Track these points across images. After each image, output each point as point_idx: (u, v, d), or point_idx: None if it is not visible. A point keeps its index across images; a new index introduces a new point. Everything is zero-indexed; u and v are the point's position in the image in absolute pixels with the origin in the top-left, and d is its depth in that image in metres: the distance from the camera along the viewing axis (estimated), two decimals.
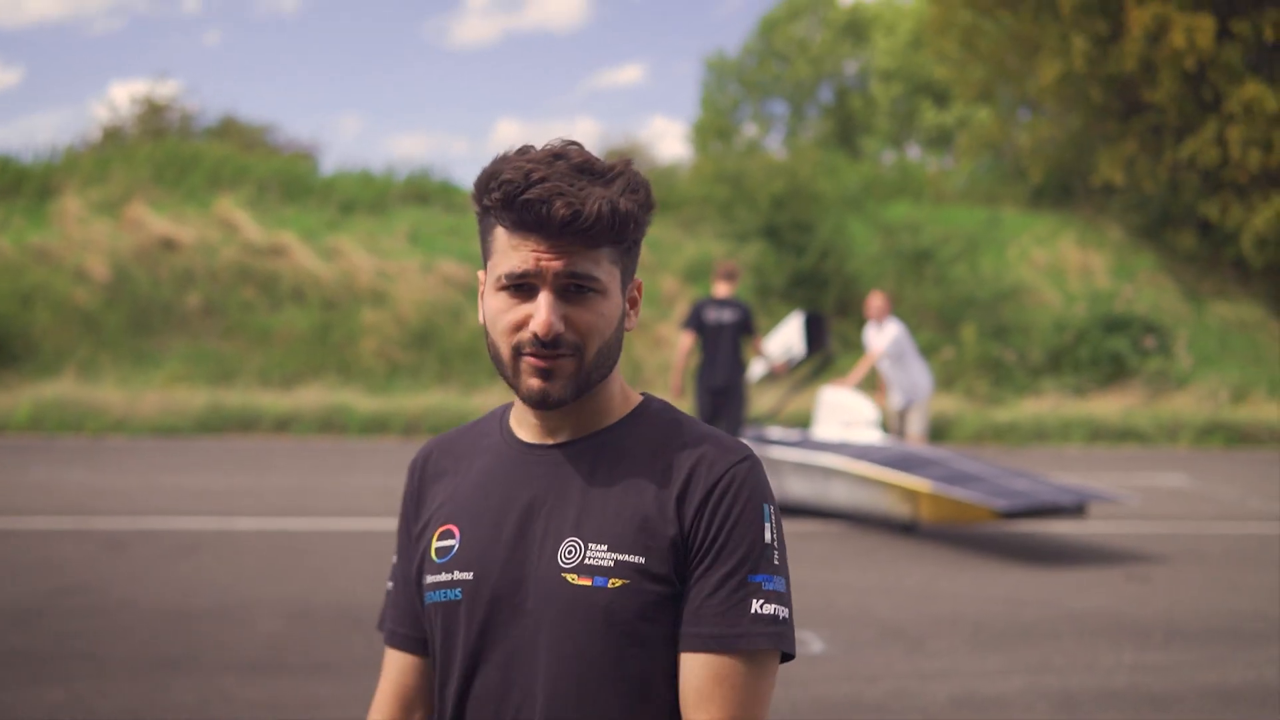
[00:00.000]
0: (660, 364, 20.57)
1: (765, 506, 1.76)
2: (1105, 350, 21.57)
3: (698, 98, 46.38)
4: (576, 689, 1.69)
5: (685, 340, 11.37)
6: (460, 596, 1.75)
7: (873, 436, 11.07)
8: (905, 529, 10.28)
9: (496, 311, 1.72)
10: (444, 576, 1.77)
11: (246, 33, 70.65)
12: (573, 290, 1.69)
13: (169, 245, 20.66)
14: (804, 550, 9.60)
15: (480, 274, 1.81)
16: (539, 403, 1.72)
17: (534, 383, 1.71)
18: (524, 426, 1.83)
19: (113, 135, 30.24)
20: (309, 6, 70.29)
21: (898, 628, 7.13)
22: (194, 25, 68.59)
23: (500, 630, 1.73)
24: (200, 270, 20.24)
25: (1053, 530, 10.62)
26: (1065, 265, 24.71)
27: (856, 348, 21.30)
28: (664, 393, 16.38)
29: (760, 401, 16.22)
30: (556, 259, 1.67)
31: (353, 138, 69.75)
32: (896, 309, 21.41)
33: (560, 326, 1.68)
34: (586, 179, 1.67)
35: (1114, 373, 21.46)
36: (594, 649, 1.69)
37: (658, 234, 23.83)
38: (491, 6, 70.78)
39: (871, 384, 14.09)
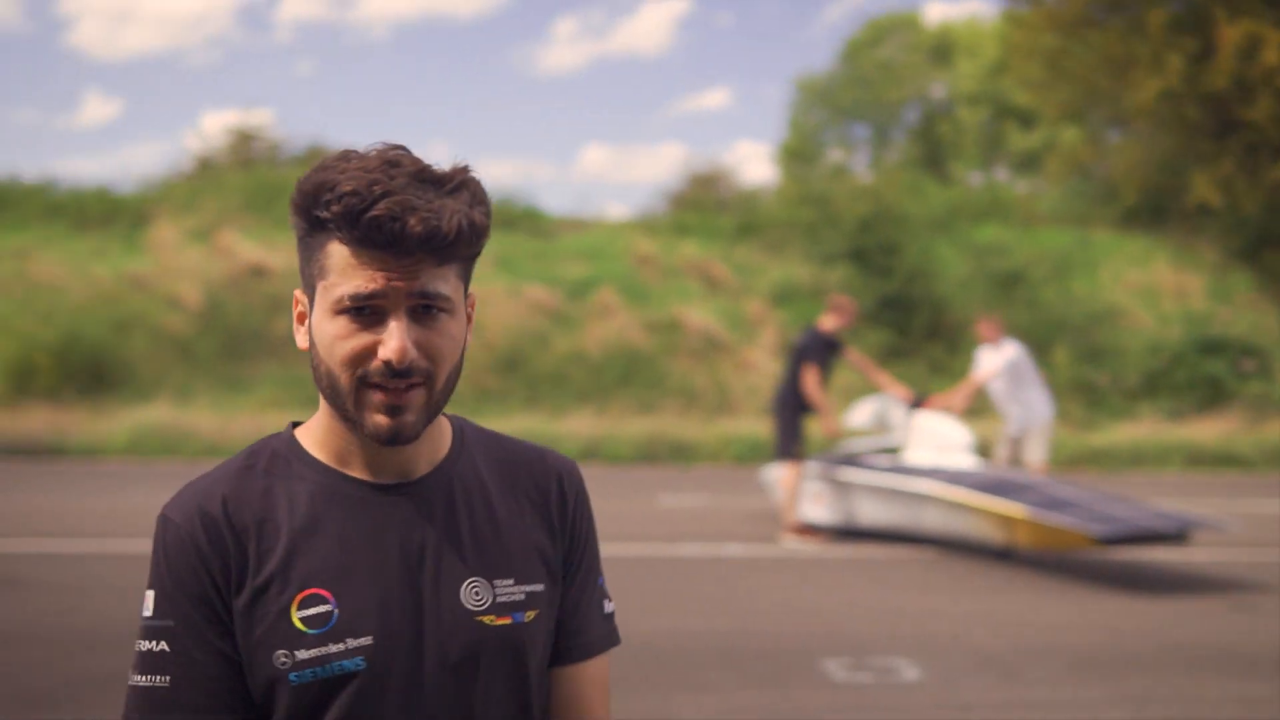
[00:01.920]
0: (747, 388, 20.49)
1: (591, 509, 1.82)
2: (1202, 373, 21.15)
3: (784, 121, 46.24)
4: None
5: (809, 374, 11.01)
6: (364, 665, 1.55)
7: (966, 461, 10.90)
8: (1000, 555, 10.10)
9: (334, 338, 1.54)
10: (333, 648, 1.55)
11: (337, 62, 71.69)
12: (421, 311, 1.54)
13: (259, 272, 20.96)
14: (896, 576, 9.47)
15: (297, 294, 1.65)
16: (390, 440, 1.56)
17: (381, 420, 1.55)
18: (357, 465, 1.64)
19: (204, 164, 30.77)
20: (399, 35, 71.19)
21: (994, 656, 6.98)
22: (287, 55, 69.76)
23: (423, 692, 1.59)
24: (290, 297, 20.42)
25: (1153, 558, 10.38)
26: (1159, 287, 24.28)
27: (945, 371, 21.07)
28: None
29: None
30: (406, 279, 1.52)
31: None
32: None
33: (414, 352, 1.53)
34: (431, 190, 1.52)
35: (1212, 396, 21.01)
36: (519, 685, 1.65)
37: (743, 257, 23.78)
38: (580, 34, 71.23)
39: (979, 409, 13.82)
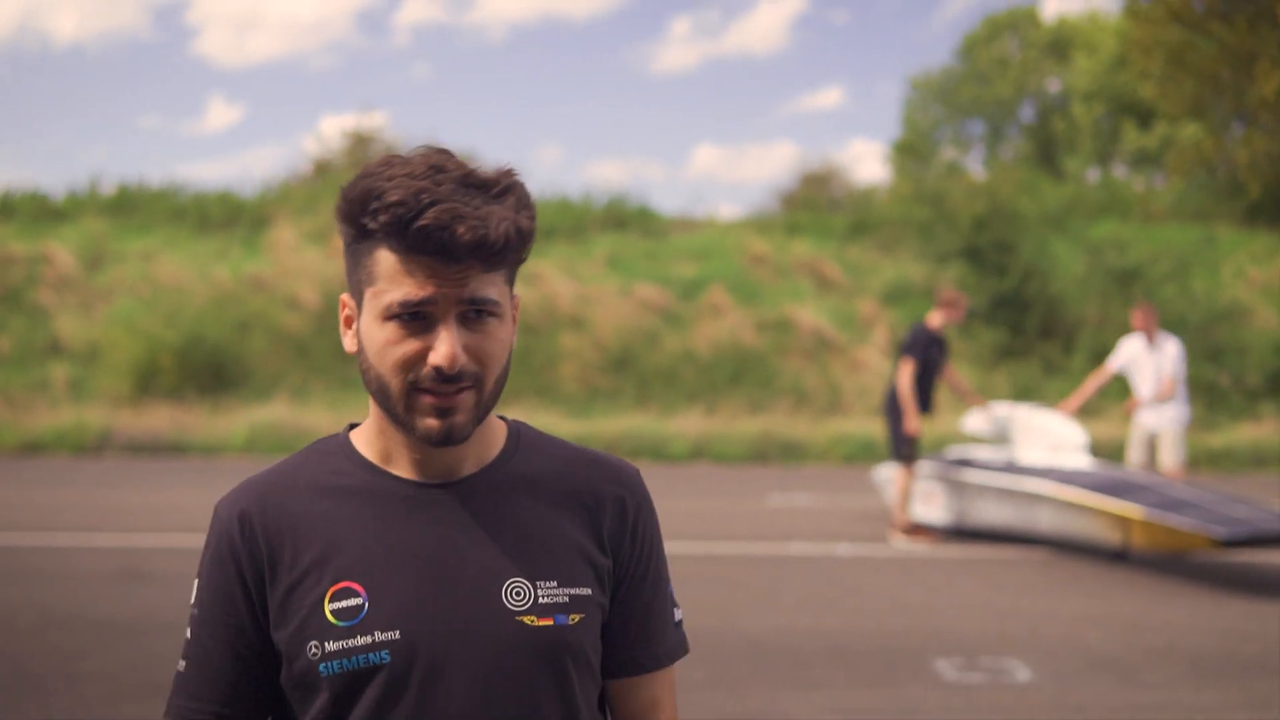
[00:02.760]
0: (857, 388, 20.37)
1: (657, 517, 1.81)
2: None
3: (899, 118, 45.83)
4: None
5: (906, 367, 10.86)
6: (389, 659, 1.57)
7: (1081, 461, 10.74)
8: (1115, 557, 9.94)
9: (385, 344, 1.56)
10: (360, 640, 1.57)
11: (454, 63, 72.35)
12: (470, 316, 1.56)
13: None
14: (1007, 577, 9.36)
15: (344, 298, 1.66)
16: (442, 441, 1.58)
17: (433, 422, 1.57)
18: (403, 464, 1.66)
19: (322, 168, 31.29)
20: (515, 36, 71.69)
21: (1109, 658, 6.88)
22: (404, 58, 70.59)
23: (448, 688, 1.58)
24: None
25: (1273, 560, 10.14)
26: None
27: (1060, 371, 20.75)
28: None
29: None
30: (456, 286, 1.53)
31: (553, 165, 70.70)
32: (1103, 330, 20.82)
33: (463, 357, 1.55)
34: (479, 196, 1.53)
35: None
36: (562, 688, 1.64)
37: (856, 256, 23.64)
38: (694, 33, 71.21)
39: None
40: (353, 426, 1.75)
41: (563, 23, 70.49)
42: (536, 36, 72.17)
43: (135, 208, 23.67)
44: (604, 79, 72.52)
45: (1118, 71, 37.05)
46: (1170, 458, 11.01)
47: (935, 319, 10.99)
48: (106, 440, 16.73)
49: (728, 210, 53.46)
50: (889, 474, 11.98)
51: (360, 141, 32.15)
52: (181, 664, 1.67)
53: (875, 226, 24.51)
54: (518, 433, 1.75)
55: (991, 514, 10.68)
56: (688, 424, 18.18)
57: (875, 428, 18.48)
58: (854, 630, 7.47)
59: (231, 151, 67.48)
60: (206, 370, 18.98)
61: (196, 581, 1.68)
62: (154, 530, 10.51)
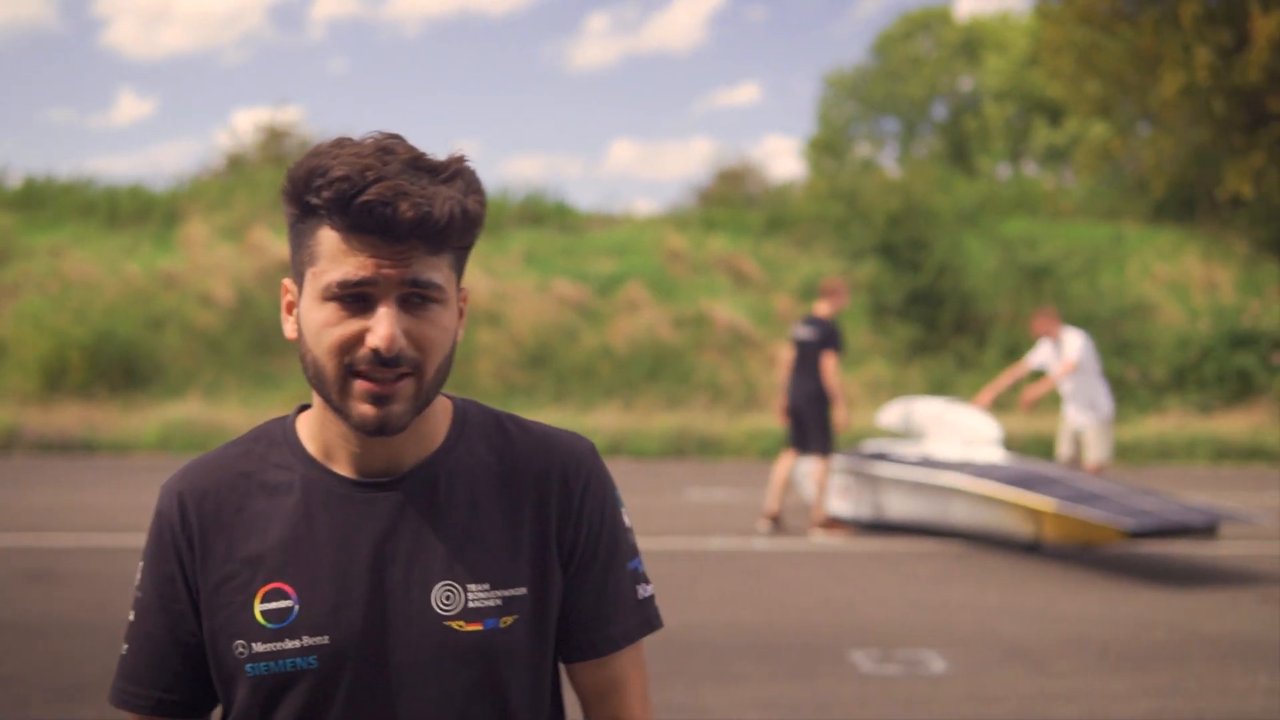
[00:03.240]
0: (774, 383, 20.47)
1: (615, 492, 1.74)
2: (1232, 367, 21.07)
3: (814, 115, 46.23)
4: None
5: (783, 355, 11.06)
6: (316, 664, 1.55)
7: (995, 454, 10.91)
8: (1028, 549, 10.11)
9: (322, 325, 1.51)
10: (287, 644, 1.55)
11: (370, 58, 71.94)
12: (414, 300, 1.52)
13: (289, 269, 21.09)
14: (923, 569, 9.49)
15: (286, 282, 1.61)
16: (377, 430, 1.53)
17: (368, 409, 1.52)
18: (341, 458, 1.62)
19: (235, 162, 30.94)
20: (431, 31, 71.37)
21: (1022, 648, 7.01)
22: (319, 53, 70.05)
23: (376, 695, 1.57)
24: None
25: (1180, 551, 10.37)
26: (1189, 281, 24.18)
27: (973, 366, 21.05)
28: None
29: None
30: (398, 266, 1.49)
31: (470, 162, 70.47)
32: (1015, 326, 21.13)
33: (403, 341, 1.50)
34: (425, 177, 1.50)
35: (1241, 390, 20.94)
36: (493, 694, 1.61)
37: (772, 252, 23.80)
38: (611, 29, 71.29)
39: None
40: (304, 408, 1.70)
41: (479, 18, 70.34)
42: (453, 31, 71.93)
43: (43, 202, 23.23)
44: (521, 75, 72.40)
45: (1028, 70, 37.66)
46: (1093, 454, 11.11)
47: (823, 309, 10.97)
48: (14, 439, 16.41)
49: (645, 206, 53.55)
50: (807, 468, 12.10)
51: (275, 136, 31.81)
52: (124, 647, 1.66)
53: (791, 223, 24.70)
54: (464, 416, 1.70)
55: (906, 508, 10.83)
56: (605, 420, 18.21)
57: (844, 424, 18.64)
58: (772, 624, 7.54)
59: (142, 145, 66.62)
60: (117, 367, 18.69)
61: (141, 564, 1.67)
62: (64, 530, 10.34)
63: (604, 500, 1.71)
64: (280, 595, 1.57)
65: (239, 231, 21.99)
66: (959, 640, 7.15)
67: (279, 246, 21.41)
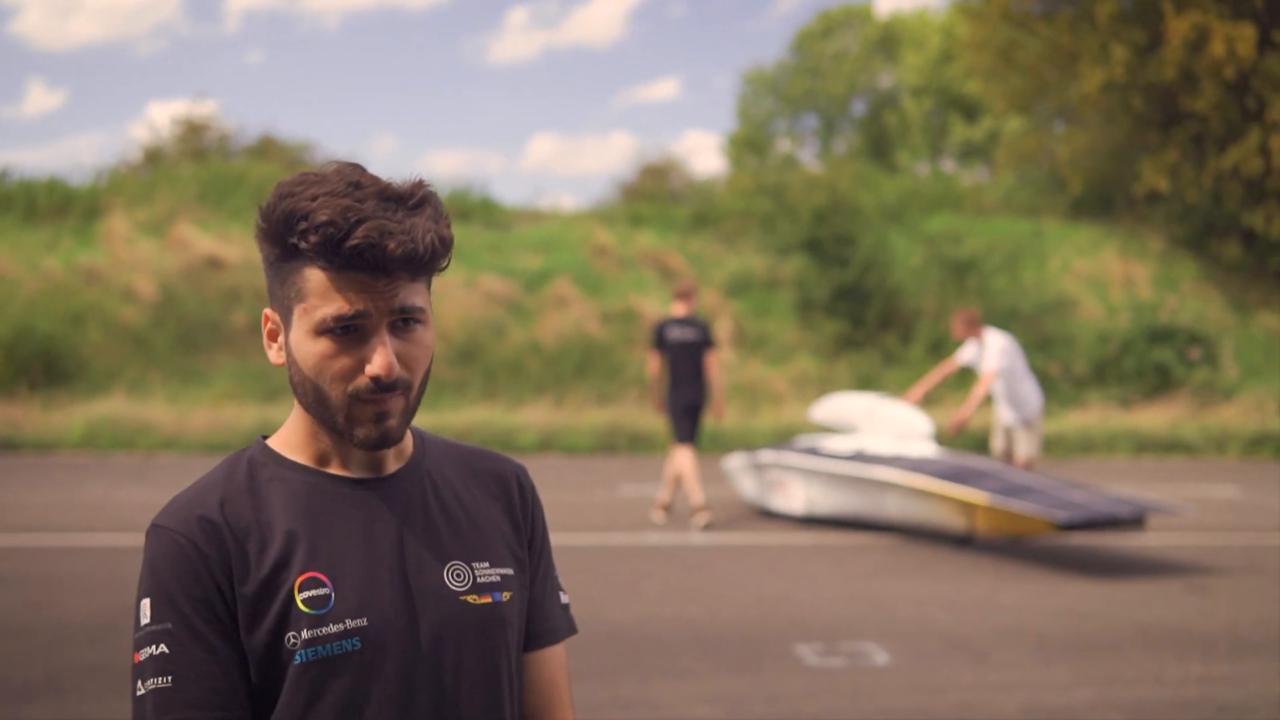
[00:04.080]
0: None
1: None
2: (1150, 361, 21.47)
3: (733, 112, 46.44)
4: (488, 706, 1.73)
5: (653, 361, 11.32)
6: (359, 646, 1.63)
7: (927, 449, 11.05)
8: (961, 542, 10.27)
9: (321, 358, 1.62)
10: (332, 628, 1.63)
11: (287, 52, 71.31)
12: (400, 325, 1.64)
13: (215, 264, 20.84)
14: (859, 562, 9.61)
15: (268, 313, 1.71)
16: (378, 445, 1.66)
17: (371, 429, 1.64)
18: (335, 464, 1.73)
19: (153, 156, 30.54)
20: (349, 25, 70.83)
21: (961, 640, 7.13)
22: (235, 45, 69.24)
23: (410, 673, 1.66)
24: (246, 289, 20.39)
25: (1110, 543, 10.58)
26: (1108, 276, 24.60)
27: (898, 361, 21.27)
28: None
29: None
30: (387, 298, 1.61)
31: (389, 155, 70.06)
32: (940, 321, 21.38)
33: (398, 367, 1.63)
34: (398, 209, 1.60)
35: (1160, 384, 21.35)
36: (500, 663, 1.75)
37: (698, 248, 23.89)
38: (531, 24, 71.18)
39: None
40: (263, 439, 1.78)
41: (399, 11, 69.88)
42: (372, 25, 71.40)
43: None
44: (440, 69, 72.09)
45: (945, 67, 38.10)
46: (1023, 449, 11.11)
47: (681, 310, 11.25)
48: None
49: (567, 202, 53.52)
50: (738, 463, 12.20)
51: (193, 129, 31.44)
52: (163, 680, 1.61)
53: (717, 219, 24.80)
54: (420, 434, 1.85)
55: (840, 502, 10.94)
56: (535, 415, 18.20)
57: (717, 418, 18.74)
58: (716, 619, 7.61)
59: (54, 137, 65.45)
60: (37, 363, 18.36)
61: (148, 600, 1.64)
62: None
63: (542, 512, 1.92)
64: (317, 584, 1.64)
65: (162, 227, 21.68)
66: (900, 633, 7.26)
67: (203, 242, 21.15)
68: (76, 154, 66.19)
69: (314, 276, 1.60)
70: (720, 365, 11.09)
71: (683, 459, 11.09)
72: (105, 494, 12.32)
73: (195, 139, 31.49)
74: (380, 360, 1.60)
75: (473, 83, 72.50)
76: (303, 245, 1.58)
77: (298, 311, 1.63)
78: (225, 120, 41.77)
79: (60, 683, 5.92)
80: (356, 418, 1.64)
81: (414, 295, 1.64)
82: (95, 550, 9.39)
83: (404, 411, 1.66)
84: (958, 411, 11.68)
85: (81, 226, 21.97)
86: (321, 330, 1.61)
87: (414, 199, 1.62)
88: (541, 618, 1.86)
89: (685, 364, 11.10)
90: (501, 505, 1.84)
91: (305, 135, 56.23)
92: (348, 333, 1.61)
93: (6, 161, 55.58)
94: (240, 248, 21.16)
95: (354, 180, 1.60)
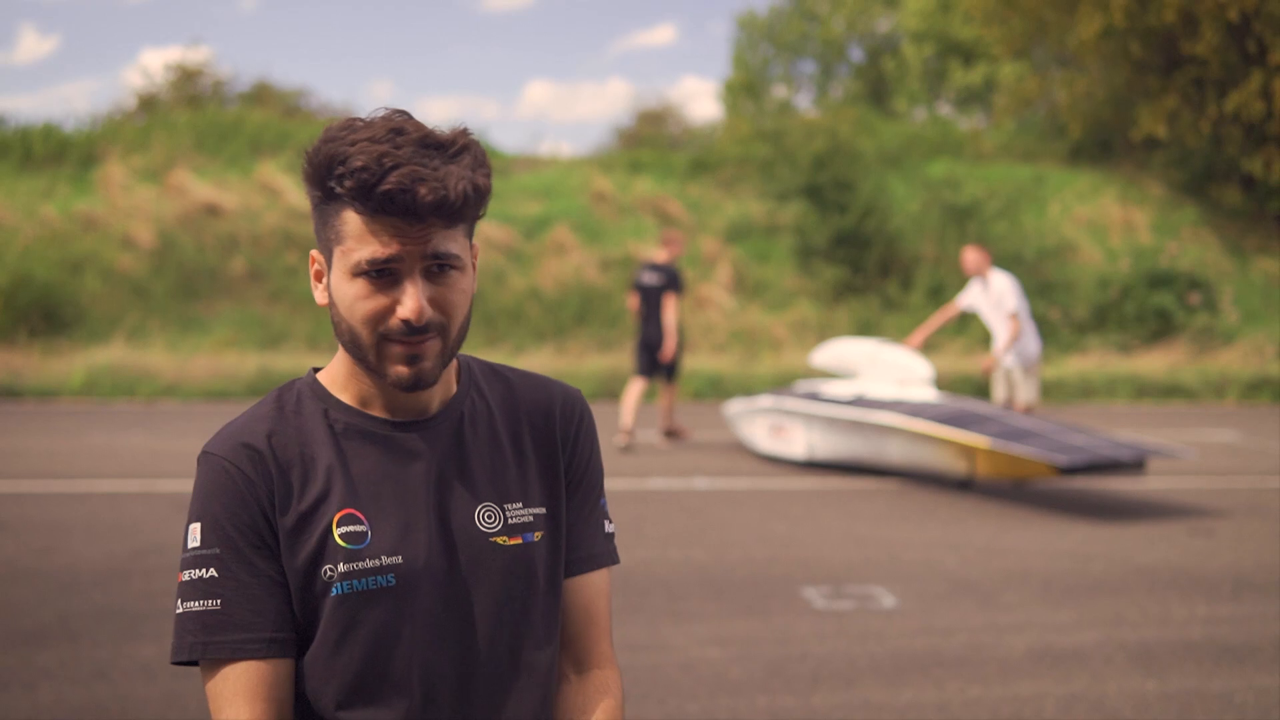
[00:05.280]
0: (703, 325, 20.60)
1: (597, 434, 1.97)
2: (1150, 306, 21.48)
3: (729, 57, 46.08)
4: (513, 645, 1.78)
5: (631, 301, 12.59)
6: (394, 582, 1.70)
7: (927, 394, 11.07)
8: (961, 485, 10.30)
9: (355, 299, 1.66)
10: (368, 563, 1.69)
11: None
12: (435, 270, 1.67)
13: (212, 211, 20.78)
14: (864, 506, 9.64)
15: (314, 254, 1.76)
16: (412, 386, 1.70)
17: (403, 369, 1.68)
18: (377, 406, 1.77)
19: (147, 102, 30.33)
20: None
21: (968, 582, 7.17)
22: None
23: (441, 611, 1.73)
24: (244, 236, 20.34)
25: (1111, 486, 10.62)
26: (1108, 222, 24.56)
27: (899, 307, 21.26)
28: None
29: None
30: (420, 243, 1.64)
31: (384, 101, 68.83)
32: (940, 267, 21.37)
33: (430, 310, 1.66)
34: (436, 156, 1.63)
35: (1159, 329, 21.37)
36: (530, 603, 1.80)
37: (697, 194, 23.81)
38: None
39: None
40: (315, 370, 1.85)
41: None
42: None
43: None
44: (435, 14, 71.49)
45: (944, 12, 37.82)
46: (1022, 394, 11.18)
47: (662, 256, 12.46)
48: None
49: (565, 149, 53.23)
50: (738, 408, 12.22)
51: (187, 76, 31.21)
52: (212, 602, 1.69)
53: (716, 165, 24.70)
54: (469, 366, 1.88)
55: (841, 446, 10.97)
56: (537, 362, 18.20)
57: (722, 363, 18.75)
58: (722, 562, 7.64)
59: (46, 84, 64.97)
60: (36, 311, 18.33)
61: (198, 524, 1.71)
62: None
63: (593, 437, 1.94)
64: (354, 520, 1.71)
65: (159, 174, 21.60)
66: (906, 576, 7.30)
67: (201, 189, 21.08)
68: (70, 100, 65.74)
69: (351, 219, 1.65)
70: (675, 309, 12.14)
71: (631, 387, 12.49)
72: (107, 441, 12.33)
73: (190, 85, 31.25)
74: (410, 303, 1.64)
75: (469, 28, 72.03)
76: (339, 189, 1.63)
77: (337, 253, 1.68)
78: (219, 67, 41.42)
79: (71, 626, 5.95)
80: (388, 358, 1.69)
81: (448, 241, 1.66)
82: (100, 496, 9.41)
83: (440, 354, 1.70)
84: (989, 357, 11.59)
85: (78, 174, 21.88)
86: (357, 272, 1.66)
87: (454, 147, 1.65)
88: (583, 544, 1.90)
89: (648, 306, 12.31)
90: (540, 438, 1.87)
91: (300, 81, 55.93)
92: (382, 276, 1.65)
93: (1, 108, 55.21)
94: (238, 195, 21.09)
95: (397, 127, 1.63)
